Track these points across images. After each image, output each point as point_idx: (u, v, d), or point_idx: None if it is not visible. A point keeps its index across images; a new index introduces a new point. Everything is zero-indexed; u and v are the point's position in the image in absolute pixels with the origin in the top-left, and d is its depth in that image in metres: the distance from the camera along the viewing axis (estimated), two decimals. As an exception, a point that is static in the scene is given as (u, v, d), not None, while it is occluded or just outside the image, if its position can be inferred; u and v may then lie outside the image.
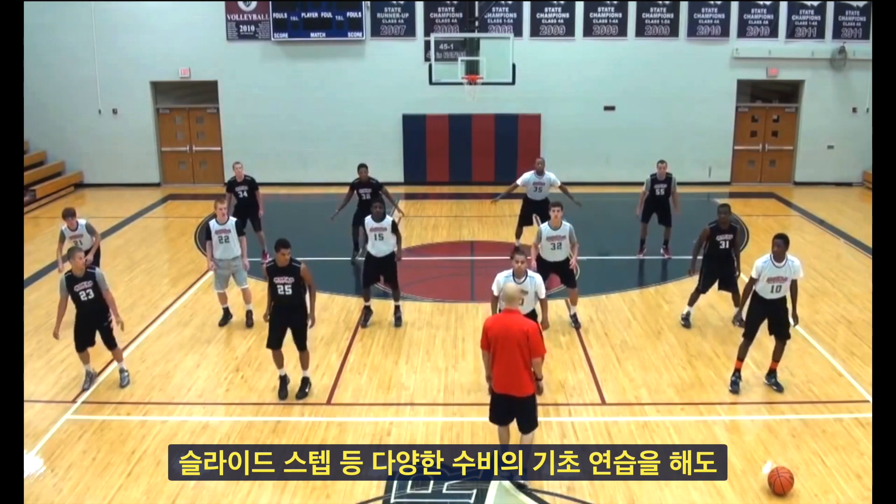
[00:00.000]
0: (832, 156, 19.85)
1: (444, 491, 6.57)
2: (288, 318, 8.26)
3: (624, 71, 19.24)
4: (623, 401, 8.27)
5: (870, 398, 8.07)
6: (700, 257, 10.23)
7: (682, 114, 19.41)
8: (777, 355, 8.39)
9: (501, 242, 13.81)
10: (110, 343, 8.58)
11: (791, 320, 8.22)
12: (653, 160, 19.31)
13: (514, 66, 15.29)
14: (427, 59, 18.36)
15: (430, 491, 6.58)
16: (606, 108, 19.54)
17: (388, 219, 9.97)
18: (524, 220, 13.13)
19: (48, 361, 9.17)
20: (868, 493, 6.39)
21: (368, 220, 9.99)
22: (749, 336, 8.38)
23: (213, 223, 10.08)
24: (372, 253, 10.08)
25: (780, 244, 8.04)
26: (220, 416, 7.98)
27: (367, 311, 10.36)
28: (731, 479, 6.72)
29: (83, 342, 8.47)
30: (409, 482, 6.69)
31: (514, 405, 6.54)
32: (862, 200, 18.28)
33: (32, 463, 7.07)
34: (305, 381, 8.42)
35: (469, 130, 19.53)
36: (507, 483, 6.67)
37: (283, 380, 8.43)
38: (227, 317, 10.39)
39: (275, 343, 8.29)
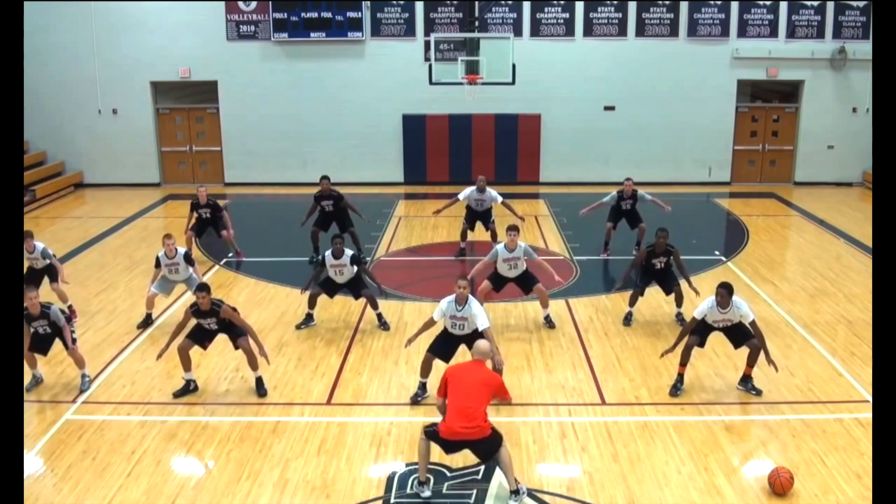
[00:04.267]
0: (832, 156, 19.87)
1: (444, 491, 6.58)
2: (215, 335, 8.49)
3: (624, 71, 19.25)
4: (623, 401, 8.26)
5: (870, 398, 8.07)
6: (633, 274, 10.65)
7: (682, 114, 19.43)
8: (751, 360, 8.24)
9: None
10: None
11: (770, 367, 8.01)
12: (653, 160, 19.52)
13: (514, 66, 15.30)
14: (427, 59, 18.38)
15: (429, 491, 6.58)
16: (606, 108, 19.56)
17: (347, 254, 9.96)
18: (470, 227, 13.39)
19: (48, 361, 9.15)
20: (868, 493, 6.39)
21: (328, 255, 9.97)
22: (693, 342, 8.28)
23: (162, 256, 10.24)
24: (333, 279, 10.12)
25: (724, 294, 7.97)
26: (220, 416, 7.97)
27: (307, 318, 10.30)
28: (730, 479, 6.73)
29: (36, 350, 8.47)
30: (409, 482, 6.70)
31: (472, 446, 6.35)
32: (862, 200, 18.29)
33: (32, 463, 7.07)
34: (259, 382, 8.42)
35: (469, 130, 19.55)
36: (507, 483, 6.67)
37: (188, 384, 8.41)
38: (147, 322, 10.36)
39: (192, 343, 8.34)
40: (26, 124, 18.34)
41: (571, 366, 9.09)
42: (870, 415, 7.61)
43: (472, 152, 19.66)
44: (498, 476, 6.73)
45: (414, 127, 19.56)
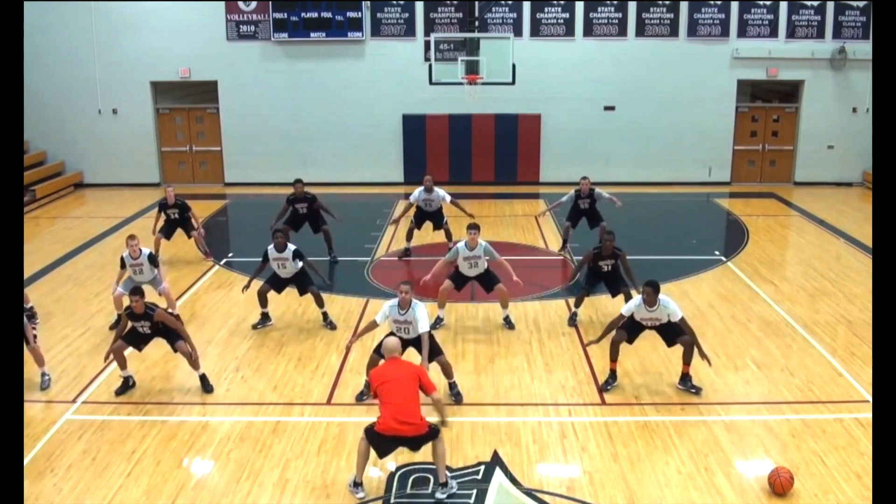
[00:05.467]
0: (832, 156, 19.87)
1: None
2: (151, 338, 8.52)
3: (624, 71, 19.25)
4: (623, 401, 8.26)
5: (870, 398, 8.07)
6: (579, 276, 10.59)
7: (682, 114, 19.43)
8: (686, 358, 8.26)
9: (501, 242, 13.81)
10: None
11: (704, 361, 8.12)
12: (653, 160, 19.54)
13: (514, 66, 15.29)
14: (427, 59, 18.38)
15: (429, 491, 6.58)
16: (606, 108, 19.56)
17: (290, 249, 9.97)
18: (417, 226, 13.46)
19: (48, 361, 9.14)
20: (868, 493, 6.39)
21: (270, 249, 9.99)
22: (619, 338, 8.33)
23: (126, 256, 10.17)
24: (278, 273, 10.14)
25: (650, 292, 7.99)
26: (220, 416, 7.97)
27: (264, 317, 10.29)
28: (730, 479, 6.73)
29: None
30: (410, 482, 6.70)
31: (406, 443, 6.42)
32: (862, 200, 18.29)
33: (32, 463, 7.07)
34: (203, 379, 8.51)
35: (469, 130, 19.55)
36: (507, 483, 6.68)
37: (127, 381, 8.48)
38: (119, 322, 10.34)
39: (126, 345, 8.42)
40: (26, 124, 18.33)
41: (571, 366, 9.09)
42: (870, 415, 7.61)
43: (472, 152, 19.67)
44: (498, 476, 6.73)
45: (414, 127, 19.56)
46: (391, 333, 7.88)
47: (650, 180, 19.26)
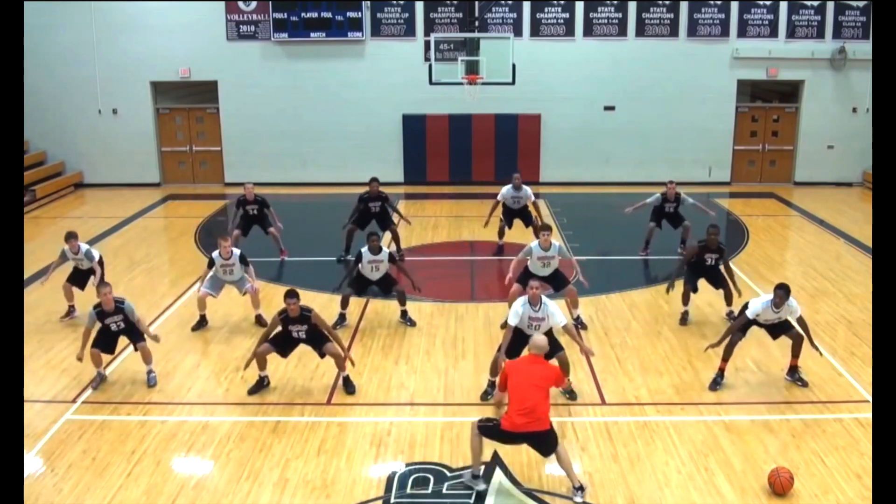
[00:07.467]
0: (832, 156, 19.87)
1: (444, 491, 6.58)
2: (299, 343, 8.46)
3: (624, 71, 19.25)
4: (623, 401, 8.26)
5: (870, 398, 8.07)
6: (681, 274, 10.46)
7: (682, 114, 19.43)
8: (795, 351, 8.46)
9: (503, 243, 13.79)
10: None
11: (815, 350, 8.40)
12: (653, 160, 19.52)
13: (514, 66, 15.30)
14: (427, 59, 18.38)
15: (429, 491, 6.58)
16: (606, 108, 19.56)
17: (385, 251, 10.10)
18: (508, 224, 13.47)
19: (48, 361, 9.17)
20: (868, 493, 6.39)
21: (365, 251, 10.06)
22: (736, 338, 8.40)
23: (216, 256, 10.11)
24: (367, 276, 10.20)
25: (781, 295, 8.09)
26: (220, 416, 7.98)
27: (341, 318, 10.33)
28: (731, 479, 6.73)
29: (103, 348, 8.49)
30: (410, 482, 6.70)
31: (533, 440, 6.44)
32: (862, 200, 18.29)
33: (32, 463, 7.07)
34: (347, 380, 8.49)
35: (469, 130, 19.55)
36: (507, 483, 6.68)
37: (262, 380, 8.48)
38: (202, 323, 10.29)
39: (272, 349, 8.37)
40: (26, 124, 18.32)
41: (571, 366, 9.06)
42: (870, 415, 7.61)
43: (472, 152, 19.66)
44: (498, 476, 6.74)
45: (414, 127, 19.56)
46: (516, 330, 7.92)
47: (650, 180, 19.19)
